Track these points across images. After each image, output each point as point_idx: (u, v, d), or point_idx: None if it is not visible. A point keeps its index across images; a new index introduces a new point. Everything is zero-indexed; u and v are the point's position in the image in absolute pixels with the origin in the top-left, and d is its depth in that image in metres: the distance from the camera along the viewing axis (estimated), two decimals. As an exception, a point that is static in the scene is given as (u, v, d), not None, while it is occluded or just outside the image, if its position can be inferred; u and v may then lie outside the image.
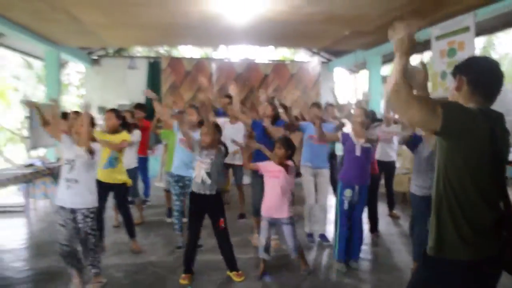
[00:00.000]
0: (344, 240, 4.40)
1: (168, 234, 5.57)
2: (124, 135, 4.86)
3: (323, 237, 5.33)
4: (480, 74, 1.88)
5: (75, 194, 3.73)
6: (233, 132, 5.92)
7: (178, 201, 5.00)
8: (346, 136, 4.48)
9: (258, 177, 4.96)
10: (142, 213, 6.25)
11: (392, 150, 6.42)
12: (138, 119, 6.58)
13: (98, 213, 4.64)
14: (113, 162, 4.75)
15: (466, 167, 1.78)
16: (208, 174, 4.05)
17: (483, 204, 1.79)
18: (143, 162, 6.82)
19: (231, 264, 4.23)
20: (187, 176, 4.97)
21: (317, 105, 5.70)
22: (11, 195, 7.86)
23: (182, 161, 4.99)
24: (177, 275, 4.19)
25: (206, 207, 4.15)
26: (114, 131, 4.80)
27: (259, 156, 4.61)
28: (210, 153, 4.10)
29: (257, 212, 5.05)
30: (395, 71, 1.74)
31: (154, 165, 9.03)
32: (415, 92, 1.84)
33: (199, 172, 4.06)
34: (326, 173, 5.42)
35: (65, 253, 3.75)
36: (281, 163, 4.10)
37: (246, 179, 7.02)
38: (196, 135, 4.36)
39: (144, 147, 6.72)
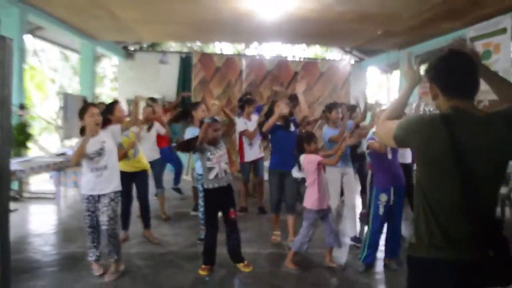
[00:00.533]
0: (375, 246, 4.29)
1: (192, 226, 5.65)
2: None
3: (356, 239, 5.14)
4: (449, 78, 1.76)
5: (104, 180, 3.91)
6: (253, 127, 6.15)
7: (202, 199, 4.98)
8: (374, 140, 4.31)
9: (275, 175, 5.07)
10: (163, 207, 6.24)
11: (408, 152, 6.24)
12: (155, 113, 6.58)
13: (126, 203, 4.81)
14: (137, 151, 4.94)
15: (432, 178, 1.71)
16: (227, 164, 4.17)
17: (460, 219, 1.67)
18: (167, 153, 6.84)
19: (238, 255, 4.27)
20: None
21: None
22: (44, 182, 8.14)
23: None
24: (197, 266, 4.24)
25: (223, 199, 4.19)
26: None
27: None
28: (220, 146, 4.17)
29: (277, 209, 5.15)
30: (402, 99, 2.00)
31: (182, 159, 9.14)
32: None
33: (220, 166, 4.10)
34: (351, 172, 5.36)
35: (92, 237, 4.00)
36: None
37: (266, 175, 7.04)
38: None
39: (162, 140, 6.62)
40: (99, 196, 3.91)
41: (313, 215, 4.24)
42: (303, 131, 5.21)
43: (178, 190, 7.51)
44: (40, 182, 8.18)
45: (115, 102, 4.96)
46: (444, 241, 1.67)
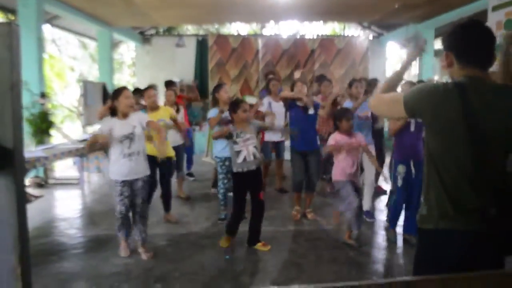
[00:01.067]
0: (396, 210, 4.41)
1: (212, 207, 5.73)
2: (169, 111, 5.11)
3: (368, 213, 5.21)
4: (467, 45, 1.74)
5: (138, 164, 3.98)
6: (278, 110, 5.91)
7: (225, 179, 5.06)
8: None
9: (297, 154, 5.13)
10: (182, 188, 6.36)
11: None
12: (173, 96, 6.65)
13: (151, 186, 4.83)
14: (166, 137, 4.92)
15: (442, 147, 1.70)
16: (256, 148, 4.17)
17: (469, 189, 1.64)
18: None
19: (258, 235, 4.32)
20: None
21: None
22: (68, 168, 8.34)
23: (223, 143, 4.91)
24: (218, 245, 4.33)
25: (252, 181, 4.21)
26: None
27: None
28: (248, 129, 4.16)
29: (299, 188, 5.22)
30: (399, 75, 2.11)
31: (202, 140, 9.24)
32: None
33: (248, 150, 4.11)
34: (372, 149, 5.33)
35: (124, 220, 4.06)
36: (350, 134, 4.35)
37: (287, 155, 7.03)
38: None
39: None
40: (132, 180, 3.98)
41: (343, 184, 4.27)
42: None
43: (190, 175, 7.57)
44: (64, 168, 8.39)
45: (148, 88, 5.10)
46: (454, 211, 1.66)
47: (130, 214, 4.11)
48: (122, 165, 3.91)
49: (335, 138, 4.35)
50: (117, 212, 4.01)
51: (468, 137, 1.62)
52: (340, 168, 4.32)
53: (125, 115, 3.94)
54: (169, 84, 6.93)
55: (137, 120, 4.00)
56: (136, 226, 4.10)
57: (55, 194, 6.79)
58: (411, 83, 5.46)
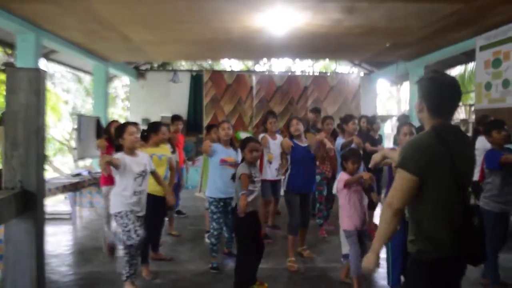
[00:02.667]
0: (399, 263, 4.00)
1: (206, 244, 5.65)
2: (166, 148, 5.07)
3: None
4: (438, 100, 2.09)
5: (143, 202, 3.98)
6: (273, 148, 5.89)
7: (221, 219, 4.73)
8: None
9: (295, 196, 4.85)
10: (173, 225, 6.29)
11: None
12: (176, 132, 6.67)
13: (158, 226, 4.84)
14: (166, 175, 4.85)
15: (437, 189, 2.02)
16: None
17: (456, 217, 2.04)
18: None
19: (255, 274, 4.14)
20: (229, 197, 4.63)
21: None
22: (59, 203, 8.22)
23: (225, 182, 4.61)
24: (217, 283, 4.24)
25: (255, 221, 4.08)
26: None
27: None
28: (256, 168, 4.13)
29: (295, 232, 4.90)
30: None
31: (195, 175, 9.20)
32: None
33: (258, 190, 4.07)
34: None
35: (132, 256, 3.93)
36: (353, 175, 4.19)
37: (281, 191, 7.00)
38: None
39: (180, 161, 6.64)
40: (140, 216, 3.97)
41: (351, 234, 4.10)
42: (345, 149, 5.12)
43: (179, 212, 7.45)
44: (55, 203, 8.27)
45: (159, 123, 5.06)
46: (449, 240, 2.01)
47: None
48: (130, 200, 3.85)
49: (343, 179, 4.17)
50: (126, 248, 3.86)
51: (453, 178, 2.02)
52: (347, 216, 4.15)
53: (133, 152, 3.93)
54: (174, 119, 6.91)
55: (146, 158, 4.02)
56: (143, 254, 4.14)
57: (46, 229, 6.66)
58: (406, 120, 5.57)
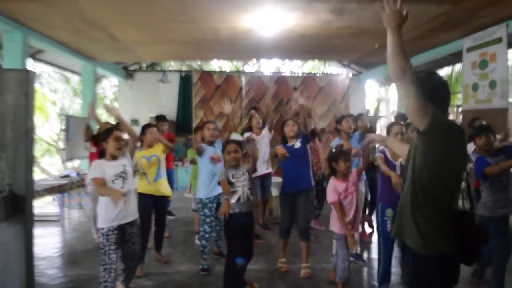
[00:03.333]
0: (388, 260, 4.04)
1: (196, 246, 5.63)
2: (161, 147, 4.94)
3: (357, 256, 5.05)
4: (444, 96, 2.17)
5: (131, 205, 3.76)
6: (259, 143, 6.03)
7: (209, 225, 4.73)
8: (383, 155, 4.13)
9: (286, 197, 4.72)
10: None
11: None
12: (162, 132, 6.60)
13: (147, 226, 4.65)
14: (160, 173, 4.79)
15: (440, 170, 2.02)
16: (250, 190, 3.99)
17: (452, 211, 2.09)
18: (170, 175, 6.72)
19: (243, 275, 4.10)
20: (220, 194, 4.65)
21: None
22: (47, 205, 8.13)
23: (215, 180, 4.64)
24: (207, 285, 4.22)
25: (246, 225, 3.96)
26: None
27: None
28: (243, 170, 4.03)
29: (285, 234, 4.77)
30: (391, 46, 1.98)
31: (185, 176, 9.18)
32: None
33: (243, 191, 3.92)
34: (362, 189, 5.35)
35: (113, 273, 3.67)
36: (346, 177, 4.15)
37: (274, 191, 7.00)
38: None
39: (169, 161, 6.56)
40: (123, 225, 3.69)
41: (340, 238, 4.11)
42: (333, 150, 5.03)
43: (170, 213, 7.39)
44: (43, 204, 8.18)
45: (148, 125, 4.99)
46: (450, 235, 2.06)
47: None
48: (113, 209, 3.56)
49: (334, 188, 4.14)
50: (107, 265, 3.59)
51: (457, 172, 2.08)
52: (336, 220, 4.13)
53: (114, 157, 3.77)
54: (159, 119, 6.83)
55: (126, 159, 3.85)
56: (128, 275, 3.88)
57: (34, 231, 6.57)
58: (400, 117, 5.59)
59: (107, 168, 3.68)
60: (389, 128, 4.16)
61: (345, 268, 4.05)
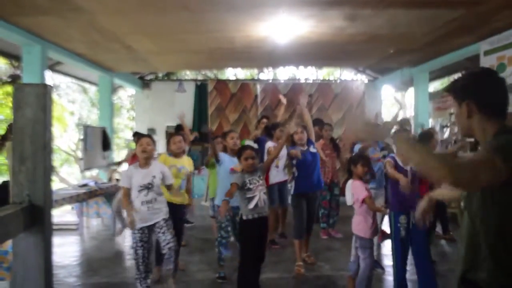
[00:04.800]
0: (404, 268, 3.98)
1: (214, 253, 5.64)
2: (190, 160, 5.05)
3: (376, 263, 4.87)
4: (491, 94, 1.70)
5: (155, 211, 4.00)
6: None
7: (225, 230, 4.76)
8: (393, 161, 4.09)
9: (301, 198, 4.95)
10: None
11: None
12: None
13: (177, 234, 4.65)
14: (183, 185, 4.84)
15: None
16: (265, 193, 4.02)
17: None
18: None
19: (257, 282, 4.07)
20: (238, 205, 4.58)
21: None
22: (66, 214, 8.26)
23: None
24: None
25: (260, 230, 3.99)
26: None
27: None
28: (257, 174, 4.04)
29: (302, 235, 4.97)
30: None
31: (201, 185, 9.21)
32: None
33: (260, 195, 3.94)
34: (383, 194, 5.35)
35: (143, 267, 3.98)
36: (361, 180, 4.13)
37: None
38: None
39: None
40: (151, 225, 3.97)
41: (368, 244, 4.01)
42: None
43: (187, 221, 7.40)
44: (62, 213, 8.30)
45: (172, 134, 5.06)
46: None
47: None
48: (141, 212, 3.90)
49: (361, 185, 4.07)
50: (136, 260, 3.94)
51: None
52: (363, 223, 4.05)
53: (146, 163, 3.97)
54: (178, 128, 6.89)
55: (159, 169, 4.02)
56: (168, 262, 4.07)
57: (53, 240, 6.67)
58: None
59: (136, 176, 3.91)
60: (394, 135, 4.10)
61: (369, 277, 3.97)
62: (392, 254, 4.05)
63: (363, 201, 3.99)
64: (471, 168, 1.48)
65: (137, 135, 6.31)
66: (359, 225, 4.06)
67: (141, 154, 3.97)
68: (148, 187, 3.91)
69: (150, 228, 3.98)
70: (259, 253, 4.00)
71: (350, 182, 4.21)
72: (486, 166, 1.47)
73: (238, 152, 4.13)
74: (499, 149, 1.49)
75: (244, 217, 3.93)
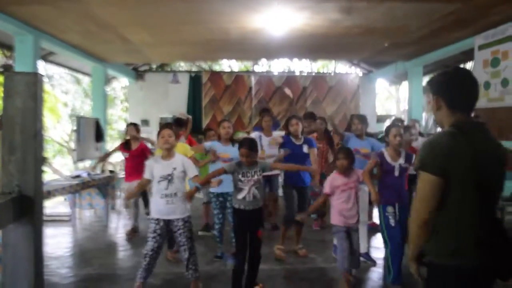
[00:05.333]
0: (398, 259, 4.07)
1: (205, 245, 5.65)
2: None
3: (367, 256, 5.03)
4: (457, 94, 1.95)
5: (175, 206, 3.91)
6: (268, 145, 6.05)
7: (220, 215, 4.94)
8: (381, 157, 4.26)
9: (290, 188, 5.09)
10: None
11: None
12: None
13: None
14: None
15: (457, 192, 1.83)
16: (257, 189, 3.97)
17: (477, 222, 1.85)
18: None
19: (255, 276, 4.06)
20: (230, 192, 4.59)
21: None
22: (59, 205, 8.22)
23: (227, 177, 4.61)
24: (216, 283, 4.24)
25: (252, 220, 3.98)
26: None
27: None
28: (254, 169, 3.98)
29: (290, 223, 5.14)
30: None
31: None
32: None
33: (250, 190, 3.90)
34: (366, 188, 5.33)
35: (150, 260, 3.92)
36: (347, 173, 4.21)
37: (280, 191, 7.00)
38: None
39: None
40: (168, 220, 3.92)
41: (338, 230, 4.19)
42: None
43: None
44: (55, 205, 8.26)
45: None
46: (472, 249, 1.83)
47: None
48: (157, 203, 3.91)
49: (331, 182, 4.25)
50: (145, 250, 3.89)
51: (477, 182, 1.82)
52: (337, 212, 4.21)
53: (168, 154, 3.95)
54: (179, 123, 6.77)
55: (180, 161, 3.95)
56: (187, 265, 4.01)
57: (46, 231, 6.66)
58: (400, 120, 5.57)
59: (157, 167, 3.90)
60: (387, 130, 4.26)
61: (344, 257, 4.08)
62: (385, 244, 4.19)
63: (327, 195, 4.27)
64: (420, 209, 1.89)
65: (132, 125, 6.37)
66: (332, 215, 4.30)
67: (163, 145, 3.94)
68: (168, 178, 3.85)
69: (166, 223, 3.92)
70: (250, 245, 3.96)
71: (332, 174, 4.37)
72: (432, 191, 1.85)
73: (239, 144, 4.07)
74: (421, 167, 1.87)
75: (235, 206, 3.97)
